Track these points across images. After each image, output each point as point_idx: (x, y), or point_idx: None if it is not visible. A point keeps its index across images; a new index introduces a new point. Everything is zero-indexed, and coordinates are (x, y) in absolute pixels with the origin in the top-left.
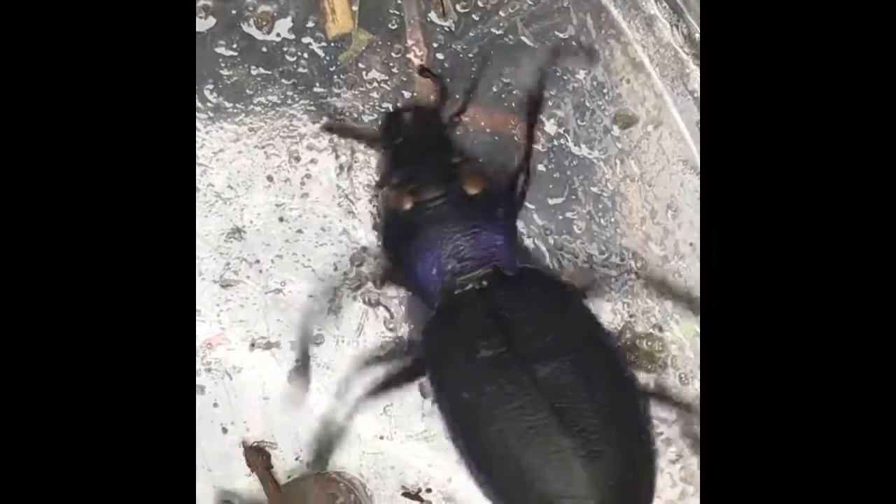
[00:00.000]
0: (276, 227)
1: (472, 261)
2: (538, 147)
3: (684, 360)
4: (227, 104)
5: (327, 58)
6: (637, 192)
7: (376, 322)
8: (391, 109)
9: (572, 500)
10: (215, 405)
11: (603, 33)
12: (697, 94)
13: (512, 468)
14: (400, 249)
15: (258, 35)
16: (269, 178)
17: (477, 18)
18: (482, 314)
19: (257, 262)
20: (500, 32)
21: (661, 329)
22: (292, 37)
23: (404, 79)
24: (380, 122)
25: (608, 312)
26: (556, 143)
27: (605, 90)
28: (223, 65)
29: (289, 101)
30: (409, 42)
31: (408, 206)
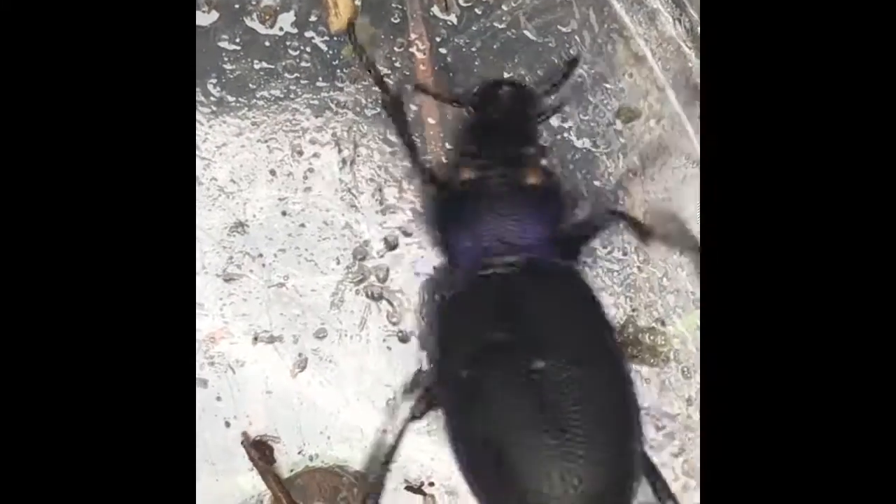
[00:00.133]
0: (279, 221)
1: (509, 246)
2: (541, 141)
3: (687, 354)
4: (230, 98)
5: (330, 52)
6: (639, 187)
7: (379, 316)
8: (491, 81)
9: (542, 498)
10: (218, 399)
11: (605, 27)
12: (700, 88)
13: (494, 455)
14: (444, 215)
15: (261, 29)
16: (272, 173)
17: (479, 12)
18: (500, 299)
19: (260, 256)
20: (502, 26)
21: (663, 323)
22: (295, 31)
23: (407, 73)
24: (476, 90)
25: (610, 306)
26: (558, 136)
27: (607, 84)
28: (226, 59)
29: (292, 96)
30: (412, 36)
31: (466, 175)
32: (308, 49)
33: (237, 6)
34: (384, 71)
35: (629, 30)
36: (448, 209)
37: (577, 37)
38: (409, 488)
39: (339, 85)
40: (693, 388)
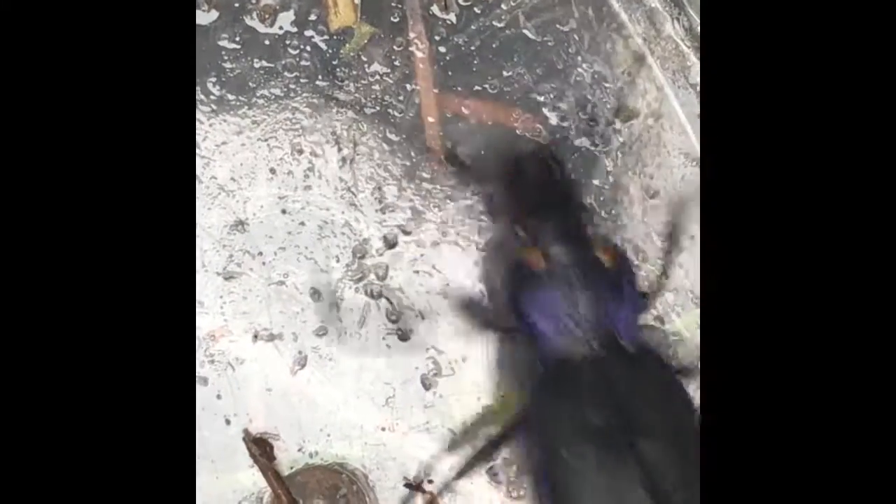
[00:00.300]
0: (279, 219)
1: (592, 328)
2: (540, 140)
3: (686, 351)
4: (230, 97)
5: (330, 51)
6: (638, 185)
7: (378, 314)
8: (519, 152)
9: None
10: (218, 397)
11: (604, 26)
12: (699, 87)
13: None
14: (520, 300)
15: (261, 28)
16: (272, 171)
17: (479, 11)
18: (595, 382)
19: (260, 254)
20: (501, 25)
21: (662, 321)
22: (295, 30)
23: (406, 71)
24: (508, 160)
25: None
26: (557, 135)
27: (606, 83)
28: (226, 58)
29: (291, 94)
30: (411, 35)
31: (539, 265)
32: (308, 48)
33: (237, 5)
34: (384, 70)
35: (628, 29)
36: (522, 296)
37: (575, 36)
38: (409, 485)
39: (339, 83)
40: (692, 384)
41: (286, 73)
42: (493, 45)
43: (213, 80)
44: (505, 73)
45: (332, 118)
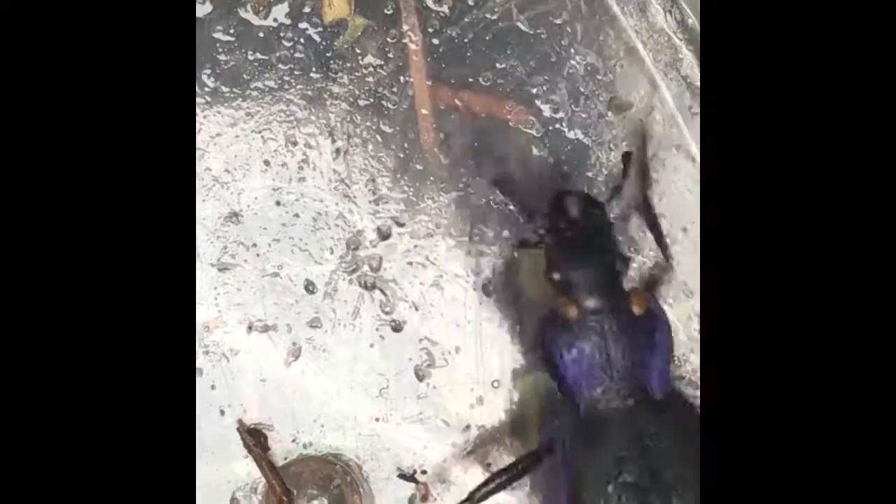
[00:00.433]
0: (273, 210)
1: (624, 381)
2: (533, 132)
3: (678, 343)
4: (225, 89)
5: (324, 43)
6: (630, 178)
7: (372, 305)
8: (560, 192)
9: None
10: (213, 387)
11: (596, 19)
12: (691, 80)
13: None
14: (552, 351)
15: (255, 20)
16: (266, 163)
17: (472, 4)
18: (627, 437)
19: (254, 245)
20: (494, 18)
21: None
22: (289, 22)
23: (400, 64)
24: (549, 204)
25: None
26: (550, 127)
27: (598, 76)
28: (220, 50)
29: (286, 87)
30: (405, 27)
31: (571, 315)
32: (302, 40)
33: None
34: (378, 62)
35: (620, 21)
36: (554, 345)
37: (568, 28)
38: (402, 476)
39: (333, 76)
40: (685, 376)
41: (280, 66)
42: (487, 38)
43: (208, 72)
44: (498, 66)
45: (326, 110)
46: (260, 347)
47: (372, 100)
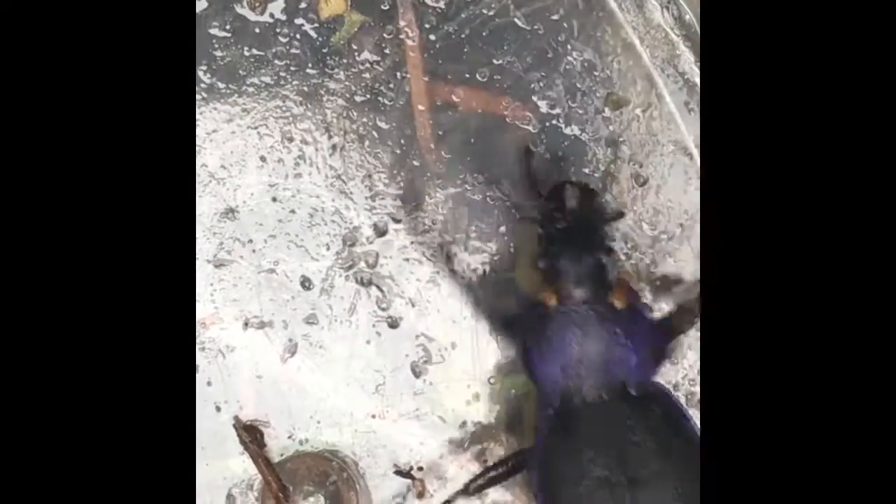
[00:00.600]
0: (269, 207)
1: (601, 373)
2: (530, 128)
3: (676, 341)
4: (221, 85)
5: (320, 39)
6: (627, 173)
7: (368, 301)
8: (559, 183)
9: None
10: (209, 384)
11: (593, 15)
12: (688, 76)
13: None
14: (529, 338)
15: (251, 16)
16: (262, 159)
17: (469, 0)
18: (601, 431)
19: (250, 241)
20: (491, 13)
21: (651, 310)
22: (285, 18)
23: (397, 59)
24: (546, 194)
25: None
26: (547, 123)
27: (595, 72)
28: (216, 46)
29: (282, 83)
30: (402, 23)
31: (551, 302)
32: (298, 36)
33: None
34: (374, 58)
35: (617, 17)
36: (531, 335)
37: (565, 24)
38: (399, 472)
39: (329, 72)
40: (680, 373)
41: (276, 62)
42: (483, 34)
43: (204, 68)
44: (495, 62)
45: (322, 106)
46: (256, 344)
47: (368, 96)
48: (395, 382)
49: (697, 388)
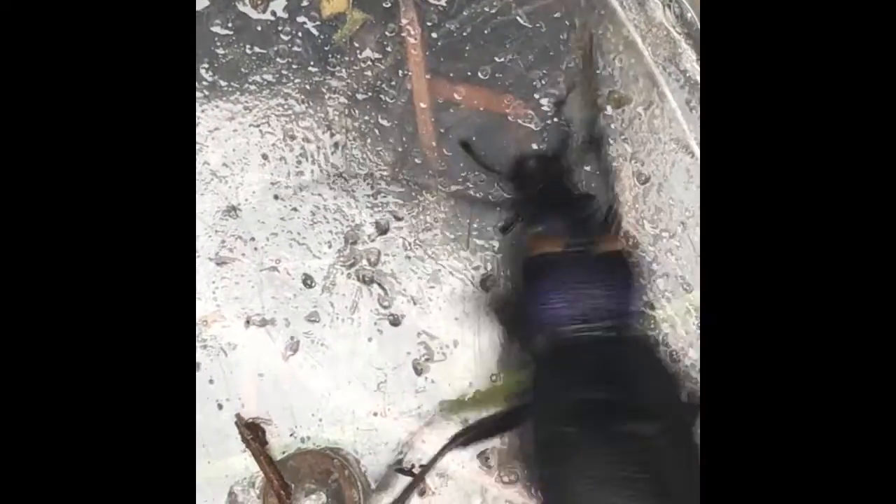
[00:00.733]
0: (271, 205)
1: (595, 313)
2: (532, 126)
3: (676, 337)
4: (223, 83)
5: (322, 37)
6: (629, 171)
7: (370, 299)
8: (517, 157)
9: None
10: (211, 382)
11: (595, 13)
12: (689, 74)
13: None
14: (533, 285)
15: (253, 14)
16: (265, 157)
17: None
18: (596, 364)
19: (252, 239)
20: (493, 11)
21: (652, 307)
22: (287, 16)
23: (398, 57)
24: (509, 168)
25: None
26: (549, 121)
27: (597, 70)
28: (218, 44)
29: (284, 80)
30: (403, 21)
31: (556, 249)
32: (300, 34)
33: None
34: (376, 56)
35: (619, 15)
36: (528, 282)
37: (567, 22)
38: (401, 471)
39: (331, 69)
40: (682, 371)
41: (278, 59)
42: (485, 32)
43: (206, 66)
44: (497, 60)
45: (324, 104)
46: (258, 342)
47: (370, 94)
48: (396, 380)
49: (698, 386)
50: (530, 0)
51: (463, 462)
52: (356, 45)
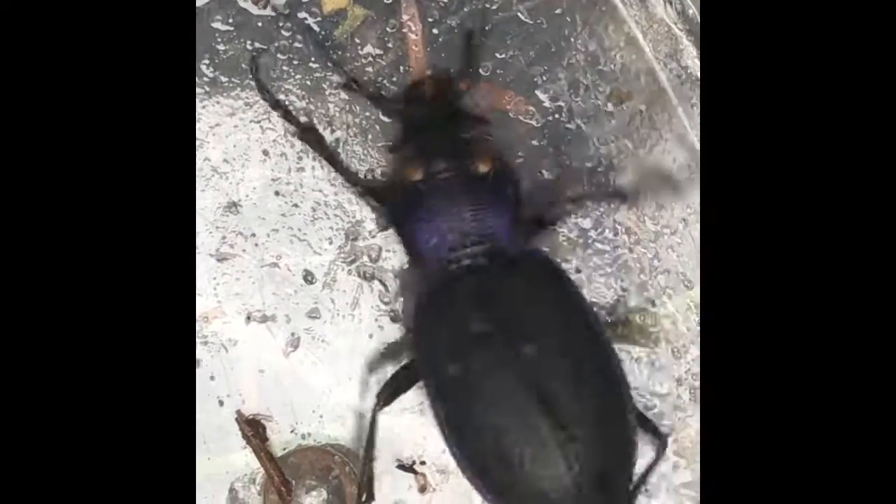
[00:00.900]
0: (272, 201)
1: (473, 237)
2: (532, 122)
3: (677, 334)
4: (224, 79)
5: (323, 33)
6: (630, 168)
7: (371, 296)
8: (411, 80)
9: (548, 481)
10: (212, 378)
11: (597, 9)
12: (690, 70)
13: (492, 445)
14: (402, 217)
15: (254, 10)
16: (265, 153)
17: None
18: (475, 291)
19: (253, 235)
20: (494, 7)
21: (653, 304)
22: (287, 12)
23: (399, 53)
24: (400, 90)
25: (601, 287)
26: (550, 118)
27: (599, 66)
28: (219, 40)
29: (284, 76)
30: (404, 17)
31: (417, 176)
32: (300, 30)
33: None
34: (377, 52)
35: (620, 12)
36: (404, 210)
37: (568, 18)
38: (401, 467)
39: (332, 65)
40: (683, 367)
41: (279, 56)
42: (487, 28)
43: (207, 62)
44: (498, 56)
45: (324, 100)
46: (259, 338)
47: (371, 90)
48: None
49: (699, 383)
50: None
51: None
52: (357, 41)
